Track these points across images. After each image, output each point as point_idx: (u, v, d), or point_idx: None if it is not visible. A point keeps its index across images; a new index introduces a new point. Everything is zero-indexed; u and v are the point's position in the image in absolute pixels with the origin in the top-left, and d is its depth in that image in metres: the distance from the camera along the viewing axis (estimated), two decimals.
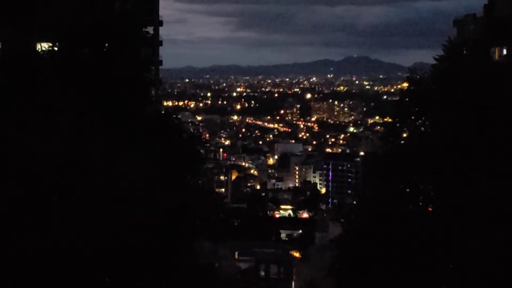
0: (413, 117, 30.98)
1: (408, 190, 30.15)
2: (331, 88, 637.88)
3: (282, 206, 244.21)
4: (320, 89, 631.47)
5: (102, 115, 21.35)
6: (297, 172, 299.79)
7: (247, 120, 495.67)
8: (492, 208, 17.88)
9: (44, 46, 29.22)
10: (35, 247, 15.99)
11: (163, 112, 38.94)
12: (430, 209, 28.03)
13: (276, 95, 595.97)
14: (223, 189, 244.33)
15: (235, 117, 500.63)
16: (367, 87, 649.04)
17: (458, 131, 22.81)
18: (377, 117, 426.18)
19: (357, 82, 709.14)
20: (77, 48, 28.34)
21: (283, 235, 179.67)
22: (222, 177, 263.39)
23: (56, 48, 28.37)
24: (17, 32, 26.92)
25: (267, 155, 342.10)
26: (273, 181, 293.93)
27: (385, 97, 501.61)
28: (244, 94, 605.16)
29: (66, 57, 27.24)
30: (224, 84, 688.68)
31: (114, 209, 17.28)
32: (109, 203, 17.21)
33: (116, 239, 18.34)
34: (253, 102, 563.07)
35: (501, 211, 16.99)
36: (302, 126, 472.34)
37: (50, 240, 16.09)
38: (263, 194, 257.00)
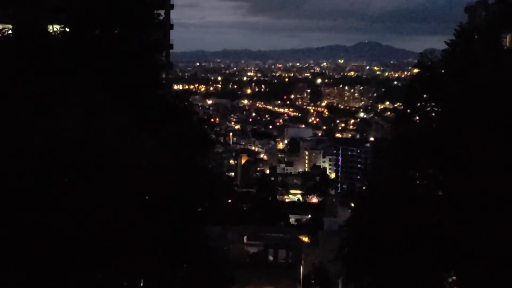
0: (423, 103, 31.03)
1: (417, 174, 30.22)
2: (342, 74, 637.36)
3: (291, 191, 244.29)
4: (331, 74, 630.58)
5: (112, 97, 21.45)
6: (306, 157, 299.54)
7: (257, 104, 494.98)
8: (502, 194, 17.96)
9: (56, 27, 29.33)
10: (47, 228, 16.09)
11: (173, 95, 39.00)
12: (439, 193, 28.09)
13: (286, 79, 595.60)
14: (232, 173, 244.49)
15: (245, 101, 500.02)
16: (377, 72, 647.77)
17: (468, 116, 22.84)
18: (387, 103, 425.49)
19: (367, 67, 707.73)
20: (89, 30, 28.44)
21: (292, 220, 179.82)
22: (231, 161, 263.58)
23: (67, 30, 28.48)
24: (30, 13, 27.02)
25: (277, 139, 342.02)
26: (283, 165, 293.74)
27: (395, 82, 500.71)
28: (255, 78, 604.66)
29: (78, 38, 27.35)
30: (235, 68, 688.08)
31: (124, 188, 17.38)
32: (119, 181, 17.30)
33: (125, 219, 18.44)
34: (263, 86, 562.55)
35: (507, 197, 17.10)
36: (312, 111, 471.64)
37: (63, 219, 16.20)
38: (273, 178, 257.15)
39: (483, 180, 19.72)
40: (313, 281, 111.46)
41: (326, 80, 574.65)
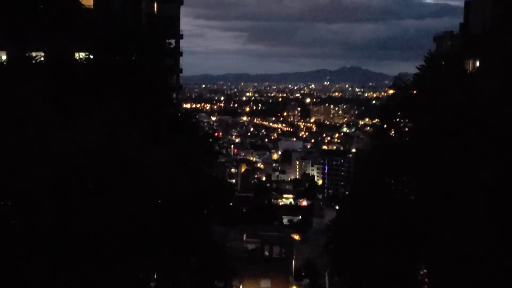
0: (397, 119, 31.06)
1: (393, 181, 30.23)
2: (327, 94, 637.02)
3: (284, 195, 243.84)
4: (318, 94, 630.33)
5: (131, 113, 21.46)
6: (297, 166, 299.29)
7: (255, 120, 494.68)
8: (463, 198, 18.00)
9: (82, 54, 29.38)
10: (74, 225, 16.06)
11: (183, 112, 39.03)
12: (412, 197, 28.10)
13: (280, 99, 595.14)
14: (233, 180, 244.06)
15: (245, 118, 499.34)
16: (358, 93, 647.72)
17: (435, 130, 22.90)
18: (367, 119, 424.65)
19: (350, 89, 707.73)
20: (110, 57, 28.46)
21: (285, 220, 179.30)
22: (233, 170, 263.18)
23: (91, 56, 28.52)
24: (59, 42, 27.00)
25: (272, 151, 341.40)
26: (277, 173, 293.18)
27: (374, 102, 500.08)
28: (253, 98, 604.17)
29: (100, 64, 27.37)
30: (235, 90, 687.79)
31: (141, 194, 17.37)
32: (136, 187, 17.30)
33: (141, 220, 18.43)
34: (260, 105, 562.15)
35: (470, 198, 17.12)
36: (302, 126, 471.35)
37: (89, 219, 16.17)
38: (268, 184, 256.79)
39: (448, 185, 19.76)
40: (303, 274, 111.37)
41: (314, 100, 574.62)
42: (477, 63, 38.53)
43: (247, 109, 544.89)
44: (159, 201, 20.39)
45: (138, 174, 17.70)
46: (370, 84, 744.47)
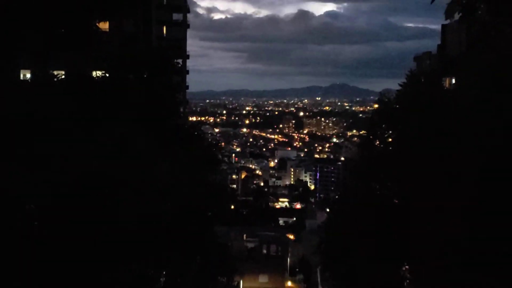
0: (382, 131, 31.09)
1: (378, 186, 30.25)
2: (319, 108, 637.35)
3: (280, 199, 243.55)
4: (310, 108, 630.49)
5: (142, 126, 21.50)
6: (292, 173, 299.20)
7: (254, 132, 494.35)
8: (441, 202, 18.04)
9: (98, 73, 29.41)
10: (95, 229, 16.05)
11: (189, 125, 39.08)
12: (395, 201, 28.12)
13: (276, 113, 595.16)
14: (234, 185, 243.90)
15: (245, 130, 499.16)
16: (346, 107, 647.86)
17: (416, 140, 22.93)
18: (354, 131, 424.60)
19: (339, 103, 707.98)
20: (124, 75, 28.51)
21: (281, 222, 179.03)
22: (234, 176, 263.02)
23: (107, 74, 28.56)
24: (78, 62, 27.01)
25: (269, 159, 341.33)
26: (274, 179, 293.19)
27: (360, 115, 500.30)
28: (252, 112, 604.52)
29: (115, 81, 27.40)
30: (236, 104, 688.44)
31: (152, 198, 17.39)
32: (147, 192, 17.32)
33: (154, 223, 18.46)
34: (258, 118, 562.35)
35: (445, 202, 17.18)
36: (296, 137, 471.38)
37: (107, 223, 16.18)
38: (266, 189, 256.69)
39: (427, 190, 19.77)
40: (297, 270, 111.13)
41: (307, 113, 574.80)
42: (454, 81, 38.59)
43: (247, 121, 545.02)
44: (168, 204, 20.41)
45: (149, 180, 17.73)
46: (357, 99, 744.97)
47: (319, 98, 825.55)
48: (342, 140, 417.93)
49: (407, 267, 28.30)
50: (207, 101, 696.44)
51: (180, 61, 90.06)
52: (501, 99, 15.43)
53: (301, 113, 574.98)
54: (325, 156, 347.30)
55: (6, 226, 15.18)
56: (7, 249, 15.04)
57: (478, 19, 7.53)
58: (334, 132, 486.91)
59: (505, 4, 6.05)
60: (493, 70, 16.25)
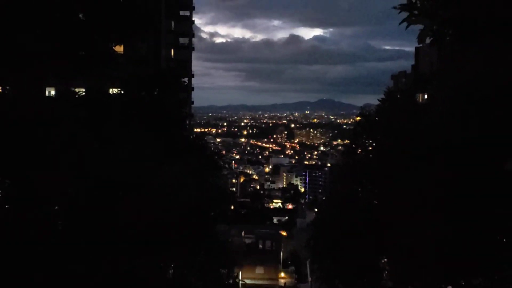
0: (363, 140, 31.17)
1: (359, 189, 30.29)
2: (308, 121, 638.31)
3: (274, 200, 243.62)
4: (300, 121, 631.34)
5: (154, 137, 21.53)
6: (284, 177, 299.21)
7: (251, 141, 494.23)
8: (414, 202, 18.07)
9: (114, 90, 29.42)
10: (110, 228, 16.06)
11: (194, 135, 39.11)
12: (375, 202, 28.17)
13: (270, 125, 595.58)
14: (234, 188, 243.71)
15: (243, 140, 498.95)
16: (332, 120, 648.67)
17: (392, 150, 22.97)
18: (339, 140, 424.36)
19: (325, 116, 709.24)
20: (137, 92, 28.55)
21: (275, 220, 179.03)
22: (233, 180, 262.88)
23: (122, 92, 28.58)
24: (97, 80, 27.00)
25: (264, 165, 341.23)
26: (268, 183, 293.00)
27: (344, 126, 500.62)
28: (249, 124, 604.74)
29: (129, 98, 27.44)
30: (235, 117, 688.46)
31: (160, 199, 17.41)
32: (157, 195, 17.35)
33: (165, 222, 18.46)
34: (255, 129, 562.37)
35: (416, 203, 17.22)
36: (288, 146, 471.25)
37: (121, 221, 16.18)
38: (261, 192, 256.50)
39: (401, 193, 19.80)
40: (289, 262, 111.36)
41: (297, 125, 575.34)
42: (426, 96, 38.65)
43: (245, 132, 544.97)
44: (176, 205, 20.39)
45: (159, 184, 17.76)
46: (342, 112, 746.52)
47: (308, 112, 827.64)
48: (329, 148, 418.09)
49: (386, 260, 28.30)
50: (210, 114, 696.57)
51: (186, 79, 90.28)
52: (467, 112, 15.53)
53: (292, 125, 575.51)
54: (314, 162, 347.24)
55: (36, 223, 15.17)
56: (35, 243, 15.03)
57: (447, 43, 7.59)
58: (321, 141, 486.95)
59: (468, 32, 6.13)
60: (459, 88, 16.32)
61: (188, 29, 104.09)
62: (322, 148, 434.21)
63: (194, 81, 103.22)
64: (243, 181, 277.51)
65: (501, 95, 13.02)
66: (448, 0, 6.46)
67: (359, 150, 31.54)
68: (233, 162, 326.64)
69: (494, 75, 13.40)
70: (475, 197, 15.16)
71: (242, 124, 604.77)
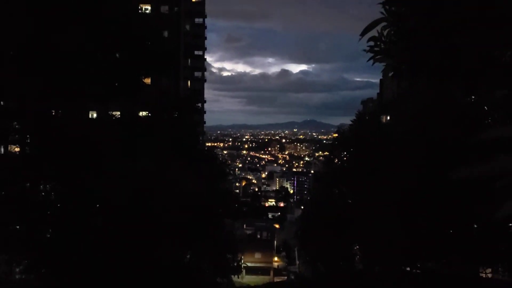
0: (339, 152, 31.22)
1: (337, 191, 30.28)
2: (295, 137, 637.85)
3: (269, 200, 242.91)
4: (290, 137, 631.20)
5: (174, 151, 21.59)
6: (277, 182, 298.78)
7: (251, 153, 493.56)
8: (378, 200, 18.13)
9: (144, 113, 29.51)
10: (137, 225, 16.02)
11: (206, 149, 39.15)
12: (349, 201, 28.17)
13: (266, 140, 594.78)
14: (237, 190, 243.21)
15: (244, 152, 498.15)
16: (315, 136, 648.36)
17: (361, 160, 23.04)
18: (320, 152, 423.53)
19: (309, 133, 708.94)
20: (161, 114, 28.64)
21: (270, 216, 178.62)
22: (237, 184, 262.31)
23: (149, 114, 28.66)
24: (129, 105, 27.08)
25: (261, 172, 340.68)
26: (265, 186, 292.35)
27: (324, 141, 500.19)
28: (249, 139, 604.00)
29: (155, 119, 27.51)
30: (238, 134, 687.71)
31: (181, 203, 17.43)
32: (179, 197, 17.37)
33: (182, 218, 18.46)
34: (254, 143, 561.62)
35: (382, 202, 17.30)
36: (280, 157, 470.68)
37: (152, 219, 16.17)
38: (259, 193, 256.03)
39: (370, 194, 19.86)
40: (281, 249, 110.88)
41: (287, 140, 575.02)
42: (388, 118, 38.79)
43: (246, 146, 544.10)
44: (192, 204, 20.44)
45: (179, 188, 17.79)
46: (322, 130, 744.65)
47: (296, 130, 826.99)
48: (312, 159, 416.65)
49: (357, 247, 28.28)
50: (218, 132, 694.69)
51: (199, 104, 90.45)
52: (420, 131, 15.67)
53: (283, 140, 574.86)
54: (300, 170, 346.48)
55: (83, 217, 15.22)
56: (82, 231, 15.07)
57: (404, 77, 7.74)
58: (306, 153, 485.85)
59: (420, 70, 6.27)
60: (414, 112, 16.47)
61: (201, 65, 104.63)
62: (307, 159, 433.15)
63: (206, 105, 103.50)
64: (245, 184, 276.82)
65: (445, 118, 13.19)
66: (405, 45, 6.66)
67: (336, 160, 31.61)
68: (236, 169, 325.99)
69: (440, 102, 13.57)
70: (428, 199, 15.25)
71: (244, 139, 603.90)
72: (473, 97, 13.42)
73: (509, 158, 2.22)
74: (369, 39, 6.62)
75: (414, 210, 15.51)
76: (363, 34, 6.33)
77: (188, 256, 28.57)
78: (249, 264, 78.12)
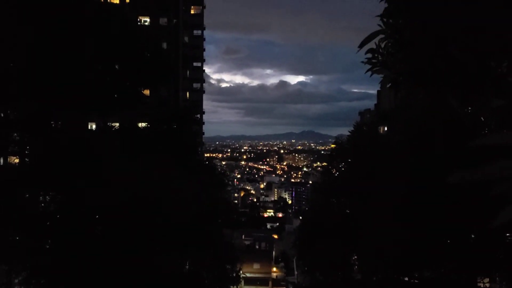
0: (337, 163, 31.24)
1: (335, 201, 30.27)
2: (294, 147, 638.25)
3: (268, 210, 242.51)
4: (288, 147, 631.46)
5: (174, 161, 21.60)
6: (276, 192, 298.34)
7: (249, 164, 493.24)
8: (376, 211, 18.14)
9: (143, 124, 29.55)
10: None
11: (205, 159, 39.15)
12: (347, 211, 28.14)
13: (264, 151, 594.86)
14: (236, 201, 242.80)
15: (243, 162, 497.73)
16: (313, 146, 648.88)
17: (359, 170, 23.07)
18: (318, 163, 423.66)
19: (307, 144, 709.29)
20: (160, 126, 28.68)
21: (268, 226, 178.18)
22: (235, 194, 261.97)
23: (148, 125, 28.70)
24: (129, 117, 27.13)
25: (260, 182, 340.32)
26: (263, 196, 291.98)
27: (322, 152, 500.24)
28: (247, 150, 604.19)
29: (154, 130, 27.54)
30: (237, 145, 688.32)
31: (181, 208, 17.44)
32: (178, 205, 17.37)
33: (184, 227, 18.46)
34: (252, 154, 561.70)
35: (378, 213, 17.31)
36: (278, 167, 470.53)
37: (151, 227, 16.17)
38: (257, 204, 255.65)
39: (367, 204, 19.87)
40: (280, 259, 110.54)
41: (286, 151, 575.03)
42: (386, 128, 38.89)
43: (244, 157, 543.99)
44: (192, 214, 20.44)
45: (179, 197, 17.79)
46: (320, 141, 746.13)
47: (294, 141, 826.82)
48: (310, 169, 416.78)
49: (355, 257, 28.21)
50: (217, 143, 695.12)
51: (198, 115, 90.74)
52: (416, 141, 15.74)
53: (282, 151, 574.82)
54: (299, 180, 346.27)
55: (83, 227, 15.19)
56: (82, 241, 15.04)
57: (402, 88, 7.81)
58: (304, 164, 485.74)
59: (417, 80, 6.33)
60: (411, 122, 16.54)
61: (200, 76, 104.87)
62: (305, 169, 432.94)
63: (204, 117, 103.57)
64: (243, 195, 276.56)
65: (442, 127, 13.28)
66: (402, 57, 6.75)
67: (334, 171, 31.63)
68: (235, 180, 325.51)
69: (436, 112, 13.64)
70: (425, 208, 15.26)
71: (242, 150, 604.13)
72: (469, 108, 13.50)
73: (508, 162, 2.25)
74: (367, 51, 6.68)
75: (414, 220, 15.52)
76: (361, 46, 6.39)
77: (187, 265, 28.49)
78: (247, 275, 77.82)
